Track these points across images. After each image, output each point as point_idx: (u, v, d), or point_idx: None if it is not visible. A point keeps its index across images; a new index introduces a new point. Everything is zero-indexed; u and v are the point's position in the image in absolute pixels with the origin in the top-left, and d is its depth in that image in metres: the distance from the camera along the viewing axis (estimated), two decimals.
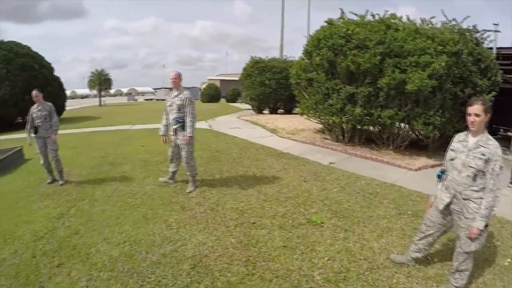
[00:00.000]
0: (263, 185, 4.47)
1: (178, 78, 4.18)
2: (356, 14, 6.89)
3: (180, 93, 4.15)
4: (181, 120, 4.13)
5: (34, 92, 4.79)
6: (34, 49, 17.72)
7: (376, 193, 4.18)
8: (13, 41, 17.41)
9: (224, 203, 3.86)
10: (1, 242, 3.38)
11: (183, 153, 4.22)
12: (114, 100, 47.87)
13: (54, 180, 5.27)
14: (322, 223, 3.30)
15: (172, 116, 4.17)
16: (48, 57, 18.35)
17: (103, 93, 34.79)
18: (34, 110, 4.79)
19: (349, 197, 4.04)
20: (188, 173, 4.34)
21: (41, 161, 5.16)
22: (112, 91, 45.97)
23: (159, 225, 3.42)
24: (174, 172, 4.60)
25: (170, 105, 4.21)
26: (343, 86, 6.41)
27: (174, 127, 4.17)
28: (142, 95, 62.44)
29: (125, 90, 73.01)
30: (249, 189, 4.33)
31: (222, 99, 30.49)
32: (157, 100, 42.25)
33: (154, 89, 64.48)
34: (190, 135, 4.07)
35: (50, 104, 4.95)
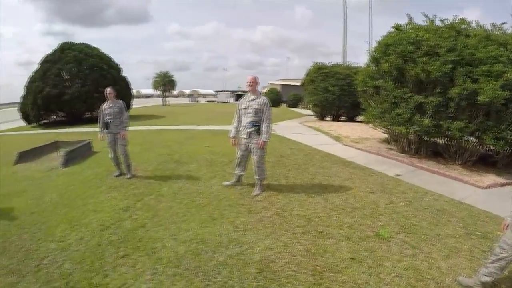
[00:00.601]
0: (329, 193, 5.27)
1: (255, 82, 5.07)
2: (427, 16, 8.15)
3: (257, 98, 5.04)
4: (256, 124, 4.98)
5: (108, 90, 6.23)
6: (102, 51, 23.78)
7: (444, 210, 4.75)
8: (83, 43, 23.60)
9: (290, 209, 4.59)
10: (68, 228, 4.32)
11: (255, 157, 5.09)
12: (176, 100, 59.05)
13: (121, 174, 6.53)
14: (389, 237, 3.84)
15: (248, 119, 5.05)
16: (115, 59, 24.36)
17: (166, 93, 45.06)
18: (106, 107, 6.20)
19: (416, 212, 4.65)
20: (257, 177, 5.21)
21: (110, 155, 6.47)
22: (175, 92, 56.77)
23: (226, 226, 4.10)
24: (240, 176, 5.53)
25: (245, 108, 5.10)
26: (412, 95, 7.37)
27: (249, 130, 5.04)
28: (204, 97, 76.66)
29: (187, 91, 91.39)
30: (315, 196, 5.11)
31: (282, 103, 36.67)
32: (218, 102, 53.92)
33: (216, 91, 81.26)
34: (266, 140, 4.96)
35: (121, 101, 6.46)
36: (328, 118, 18.67)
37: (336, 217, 4.35)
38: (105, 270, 3.26)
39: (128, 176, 6.34)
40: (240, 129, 5.19)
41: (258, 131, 4.97)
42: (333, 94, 17.11)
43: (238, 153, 5.34)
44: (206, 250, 3.51)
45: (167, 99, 44.65)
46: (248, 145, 5.15)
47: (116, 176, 6.47)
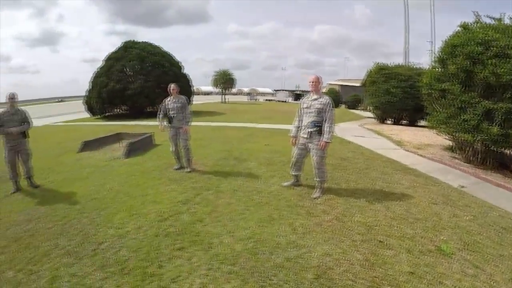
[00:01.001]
0: (390, 201, 5.40)
1: (317, 81, 5.34)
2: (493, 18, 8.20)
3: (320, 97, 5.31)
4: (318, 124, 5.23)
5: (172, 86, 6.97)
6: (164, 49, 27.09)
7: (509, 228, 4.69)
8: (146, 42, 27.35)
9: (351, 215, 4.75)
10: (127, 216, 4.78)
11: (315, 158, 5.35)
12: (235, 98, 63.82)
13: (181, 167, 7.12)
14: (451, 254, 3.86)
15: (310, 119, 5.33)
16: (176, 57, 27.56)
17: (225, 91, 50.79)
18: (169, 102, 6.93)
19: (481, 229, 4.62)
20: (318, 179, 5.48)
21: (172, 148, 7.09)
22: (234, 90, 62.62)
23: (285, 227, 4.30)
24: (297, 176, 5.87)
25: (307, 107, 5.39)
26: (480, 100, 7.39)
27: (310, 130, 5.30)
28: (263, 96, 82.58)
29: (246, 89, 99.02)
30: (376, 203, 5.26)
31: (341, 104, 38.55)
32: (277, 101, 56.86)
33: (274, 90, 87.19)
34: (328, 141, 5.20)
35: (184, 97, 7.09)
36: (388, 121, 19.51)
37: (397, 227, 4.47)
38: (160, 260, 3.54)
39: (188, 170, 6.91)
40: (301, 128, 5.52)
41: (319, 132, 5.24)
42: (395, 96, 17.72)
43: (295, 152, 5.66)
44: (263, 250, 3.71)
45: (226, 96, 50.39)
46: (308, 145, 5.44)
47: (176, 169, 7.07)
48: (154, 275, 3.26)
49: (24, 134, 6.38)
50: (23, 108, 6.64)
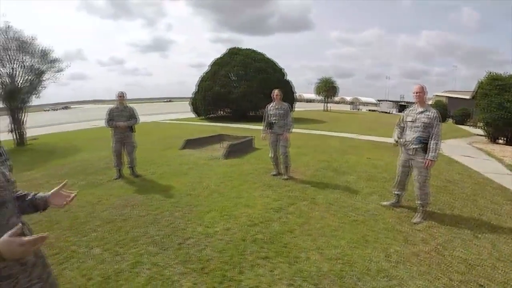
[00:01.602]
0: (498, 237, 4.83)
1: (422, 92, 5.10)
2: None
3: (426, 110, 5.04)
4: (424, 141, 4.97)
5: (276, 91, 7.12)
6: (267, 56, 28.79)
7: None
8: (249, 49, 29.39)
9: (452, 248, 4.33)
10: (218, 216, 4.91)
11: (418, 178, 5.09)
12: (337, 107, 62.92)
13: (278, 174, 7.17)
14: None
15: (415, 134, 5.09)
16: (279, 63, 28.78)
17: (328, 99, 52.05)
18: (271, 107, 7.12)
19: None
20: (419, 201, 5.16)
21: (271, 154, 7.20)
22: (336, 98, 63.48)
23: (378, 252, 4.04)
24: (399, 196, 5.58)
25: (412, 121, 5.16)
26: None
27: (415, 146, 5.05)
28: (365, 105, 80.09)
29: (348, 98, 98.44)
30: (481, 238, 4.77)
31: (448, 119, 35.90)
32: (380, 112, 54.89)
33: (378, 100, 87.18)
34: (434, 159, 4.90)
35: (286, 104, 7.19)
36: (501, 141, 17.60)
37: (502, 270, 3.89)
38: (242, 266, 3.53)
39: (285, 177, 6.93)
40: (405, 143, 5.26)
41: (425, 149, 4.96)
42: (509, 112, 15.94)
43: (399, 169, 5.43)
44: (351, 274, 3.50)
45: (328, 105, 50.87)
46: (411, 163, 5.20)
47: (273, 175, 7.15)
48: (233, 280, 3.26)
49: (131, 129, 7.26)
50: (132, 105, 7.51)
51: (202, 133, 14.42)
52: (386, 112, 52.52)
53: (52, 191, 1.70)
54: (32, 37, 14.96)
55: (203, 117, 27.24)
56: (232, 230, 4.40)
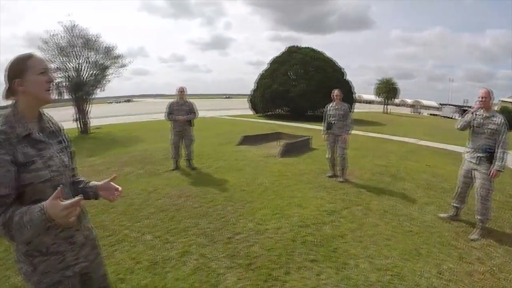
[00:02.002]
0: None
1: (488, 96, 4.73)
2: None
3: (493, 116, 4.70)
4: (490, 150, 4.63)
5: (336, 91, 6.97)
6: (326, 55, 28.40)
7: None
8: (309, 47, 29.07)
9: (508, 272, 3.95)
10: (270, 214, 4.89)
11: (481, 190, 4.72)
12: (398, 109, 59.99)
13: (334, 175, 7.01)
14: None
15: (481, 141, 4.74)
16: (338, 63, 28.37)
17: (388, 101, 50.09)
18: (331, 108, 6.98)
19: None
20: (479, 216, 4.78)
21: (328, 155, 7.07)
22: (396, 100, 60.63)
23: (430, 267, 3.79)
24: (458, 209, 5.23)
25: (478, 126, 4.82)
26: None
27: (480, 155, 4.71)
28: (427, 109, 75.41)
29: (409, 101, 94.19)
30: None
31: None
32: (443, 117, 51.55)
33: (440, 104, 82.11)
34: (500, 169, 4.56)
35: (347, 105, 7.03)
36: None
37: None
38: (289, 267, 3.48)
39: (341, 179, 6.77)
40: (468, 151, 4.93)
41: (490, 159, 4.60)
42: None
43: (460, 180, 5.05)
44: None
45: (388, 107, 49.17)
46: (473, 173, 4.82)
47: (329, 176, 7.01)
48: (278, 280, 3.22)
49: (190, 123, 7.48)
50: (191, 100, 7.72)
51: (259, 130, 14.54)
52: (448, 117, 49.65)
53: (101, 182, 1.76)
54: (96, 35, 16.52)
55: (261, 115, 27.51)
56: (282, 229, 4.35)
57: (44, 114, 1.66)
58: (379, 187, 6.47)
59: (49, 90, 1.57)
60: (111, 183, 1.74)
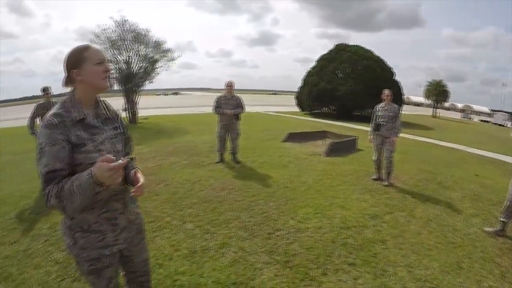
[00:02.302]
0: None
1: None
2: None
3: None
4: None
5: (387, 91, 6.77)
6: (375, 54, 27.41)
7: None
8: (357, 45, 28.27)
9: None
10: (311, 212, 4.88)
11: None
12: (447, 113, 56.72)
13: (379, 178, 6.84)
14: None
15: None
16: (387, 62, 27.26)
17: (437, 104, 48.00)
18: (380, 108, 6.81)
19: None
20: None
21: (374, 157, 6.91)
22: (446, 104, 57.85)
23: (470, 283, 3.63)
24: (505, 223, 4.94)
25: None
26: None
27: None
28: (477, 115, 72.51)
29: (459, 105, 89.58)
30: None
31: None
32: (494, 124, 49.14)
33: (492, 110, 78.39)
34: None
35: (396, 106, 6.83)
36: None
37: None
38: (326, 268, 3.46)
39: (386, 183, 6.59)
40: None
41: None
42: None
43: (510, 193, 4.76)
44: None
45: (437, 110, 47.11)
46: None
47: (373, 179, 6.86)
48: (315, 280, 3.21)
49: (237, 117, 7.58)
50: (239, 95, 7.83)
51: (305, 128, 14.55)
52: (499, 125, 47.07)
53: (132, 174, 1.81)
54: (146, 29, 17.39)
55: (307, 112, 27.39)
56: (323, 229, 4.33)
57: (100, 101, 1.78)
58: (424, 194, 6.25)
59: (105, 79, 1.68)
60: (138, 177, 1.78)
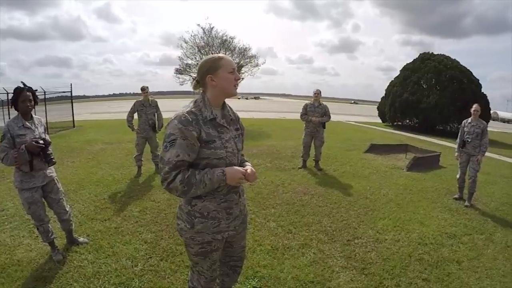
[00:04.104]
0: None
1: None
2: None
3: None
4: None
5: (475, 106, 6.42)
6: (461, 63, 24.67)
7: None
8: (442, 54, 25.85)
9: None
10: (391, 225, 4.95)
11: None
12: None
13: (460, 198, 6.56)
14: None
15: None
16: (474, 73, 24.37)
17: None
18: (467, 124, 6.50)
19: None
20: None
21: (457, 175, 6.63)
22: None
23: None
24: None
25: None
26: None
27: None
28: None
29: None
30: None
31: None
32: None
33: None
34: None
35: (485, 123, 6.46)
36: None
37: None
38: (400, 280, 3.51)
39: (467, 203, 6.26)
40: None
41: None
42: None
43: None
44: None
45: None
46: None
47: (455, 198, 6.58)
48: None
49: (323, 125, 7.85)
50: (325, 103, 8.04)
51: (386, 140, 14.26)
52: None
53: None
54: (231, 37, 18.00)
55: (389, 124, 26.24)
56: (401, 242, 4.38)
57: (226, 104, 2.02)
58: (505, 219, 5.84)
59: (236, 86, 1.92)
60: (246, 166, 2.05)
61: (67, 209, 3.76)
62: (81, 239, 3.96)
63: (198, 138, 1.76)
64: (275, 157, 8.90)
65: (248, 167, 1.92)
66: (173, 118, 1.79)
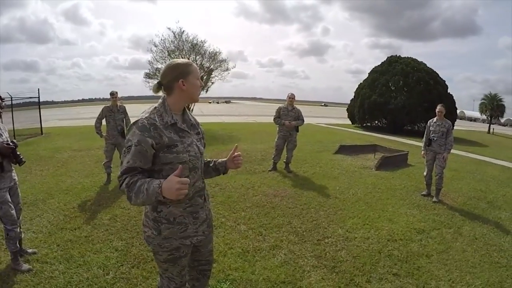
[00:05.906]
0: None
1: None
2: None
3: None
4: None
5: (439, 107, 6.68)
6: (428, 65, 26.09)
7: None
8: (410, 57, 27.27)
9: None
10: (360, 223, 5.03)
11: None
12: (503, 130, 52.12)
13: (428, 195, 6.77)
14: None
15: None
16: (440, 74, 25.88)
17: (492, 119, 44.83)
18: (433, 123, 6.73)
19: None
20: None
21: (425, 172, 6.85)
22: (502, 119, 54.42)
23: None
24: None
25: None
26: None
27: None
28: None
29: None
30: None
31: None
32: None
33: None
34: None
35: (449, 122, 6.72)
36: None
37: None
38: (371, 276, 3.57)
39: (435, 199, 6.49)
40: None
41: None
42: None
43: None
44: None
45: (492, 126, 43.42)
46: None
47: (423, 195, 6.78)
48: (359, 286, 3.36)
49: (296, 128, 7.96)
50: (298, 107, 8.14)
51: (356, 141, 14.54)
52: None
53: (227, 158, 2.19)
54: (201, 41, 18.14)
55: (358, 125, 27.03)
56: (370, 240, 4.44)
57: (186, 109, 2.02)
58: (473, 213, 6.10)
59: (199, 93, 1.96)
60: (235, 153, 2.15)
61: (20, 217, 3.68)
62: (30, 250, 3.83)
63: (158, 143, 1.75)
64: (246, 160, 8.85)
65: (184, 178, 1.73)
66: (132, 123, 1.79)
